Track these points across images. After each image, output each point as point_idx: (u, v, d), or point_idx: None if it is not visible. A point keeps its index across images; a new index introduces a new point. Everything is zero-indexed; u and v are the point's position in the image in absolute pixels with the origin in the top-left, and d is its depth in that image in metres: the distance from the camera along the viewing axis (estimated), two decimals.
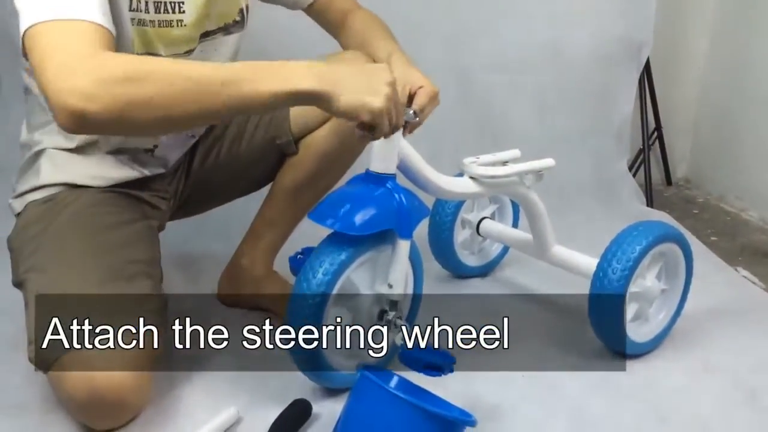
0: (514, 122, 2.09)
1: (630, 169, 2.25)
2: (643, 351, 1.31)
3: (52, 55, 0.86)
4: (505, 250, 1.66)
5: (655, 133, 2.33)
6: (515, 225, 1.64)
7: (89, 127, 0.88)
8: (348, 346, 1.12)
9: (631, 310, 1.27)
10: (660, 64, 2.28)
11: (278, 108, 0.96)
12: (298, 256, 1.20)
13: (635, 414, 1.16)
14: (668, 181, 2.44)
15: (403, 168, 1.15)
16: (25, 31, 0.90)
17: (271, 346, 1.27)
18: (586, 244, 1.46)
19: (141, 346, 1.05)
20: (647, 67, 2.21)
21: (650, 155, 2.25)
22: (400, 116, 1.03)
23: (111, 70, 0.85)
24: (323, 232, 1.14)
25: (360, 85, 0.96)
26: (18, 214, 1.23)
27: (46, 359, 1.03)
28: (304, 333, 1.06)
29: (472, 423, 0.98)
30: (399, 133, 1.09)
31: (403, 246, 1.11)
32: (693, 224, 2.07)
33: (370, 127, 1.00)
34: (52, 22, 0.88)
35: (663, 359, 1.32)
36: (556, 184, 1.98)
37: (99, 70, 0.84)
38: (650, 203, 2.17)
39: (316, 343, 1.07)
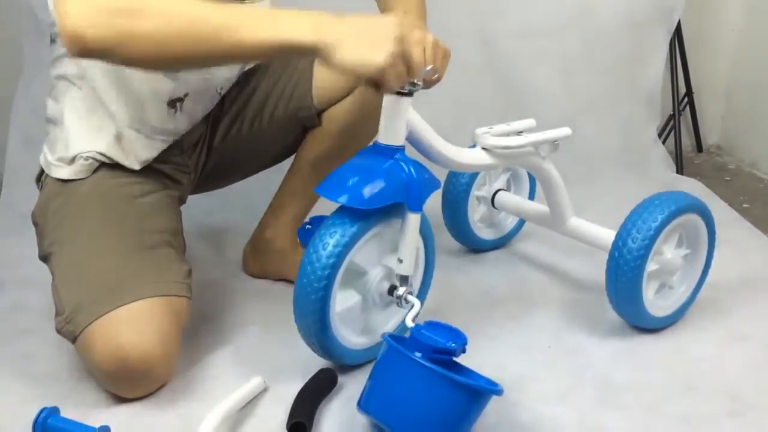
0: (540, 89, 2.05)
1: (660, 135, 2.20)
2: (663, 325, 1.29)
3: None
4: (522, 222, 1.62)
5: (686, 99, 2.28)
6: (531, 197, 1.61)
7: (88, 53, 0.92)
8: (358, 322, 1.12)
9: (651, 286, 1.24)
10: (692, 28, 2.22)
11: (274, 57, 0.95)
12: (306, 227, 1.20)
13: (663, 382, 1.15)
14: (699, 147, 2.39)
15: (412, 140, 1.11)
16: None
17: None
18: (615, 213, 1.43)
19: (166, 314, 1.06)
20: (678, 31, 2.15)
21: (681, 121, 2.20)
22: (413, 70, 0.97)
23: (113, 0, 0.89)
24: None
25: (362, 40, 0.92)
26: (41, 189, 1.24)
27: (73, 330, 1.05)
28: (312, 313, 1.05)
29: (499, 392, 0.98)
30: (408, 104, 1.06)
31: (413, 219, 1.08)
32: (724, 191, 2.02)
33: (376, 83, 0.97)
34: None
35: (691, 327, 1.30)
36: (583, 152, 1.96)
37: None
38: (680, 170, 2.13)
39: (324, 324, 1.06)
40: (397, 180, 1.05)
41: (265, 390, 1.11)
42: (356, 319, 1.13)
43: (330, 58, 0.93)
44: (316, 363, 1.14)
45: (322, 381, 1.10)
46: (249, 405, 1.07)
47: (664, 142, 2.19)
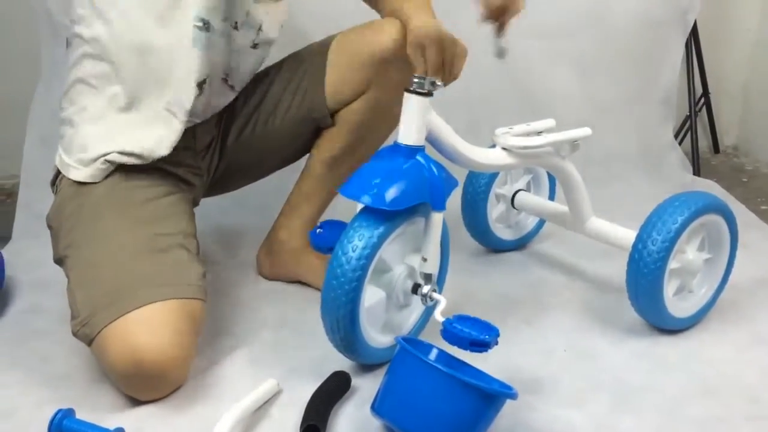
0: (555, 90, 2.04)
1: (676, 136, 2.18)
2: (684, 326, 1.28)
3: None
4: (542, 222, 1.62)
5: (703, 99, 2.26)
6: (552, 197, 1.60)
7: None
8: (380, 319, 1.12)
9: (672, 286, 1.23)
10: (708, 28, 2.20)
11: None
12: (318, 230, 1.20)
13: (680, 386, 1.14)
14: (716, 148, 2.37)
15: (432, 139, 1.12)
16: None
17: (310, 319, 1.28)
18: (631, 214, 1.42)
19: (181, 317, 1.06)
20: (694, 31, 2.13)
21: (697, 122, 2.18)
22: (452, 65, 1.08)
23: None
24: (359, 204, 1.13)
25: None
26: (56, 193, 1.25)
27: (88, 333, 1.06)
28: (340, 316, 1.06)
29: (513, 395, 0.97)
30: (428, 103, 1.06)
31: (437, 218, 1.10)
32: (742, 193, 2.00)
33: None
34: None
35: (709, 330, 1.29)
36: (599, 154, 1.94)
37: None
38: (697, 172, 2.11)
39: (353, 323, 1.07)
40: (419, 180, 1.06)
41: (279, 392, 1.11)
42: (379, 316, 1.14)
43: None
44: (330, 365, 1.14)
45: (336, 383, 1.10)
46: (263, 407, 1.07)
47: (680, 143, 2.18)
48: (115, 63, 1.19)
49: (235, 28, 1.23)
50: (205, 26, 1.18)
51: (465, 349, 1.01)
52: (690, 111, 2.16)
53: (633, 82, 2.10)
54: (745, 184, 2.14)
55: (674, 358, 1.21)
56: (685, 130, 2.19)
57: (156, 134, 1.21)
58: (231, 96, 1.31)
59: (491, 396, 0.96)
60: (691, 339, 1.26)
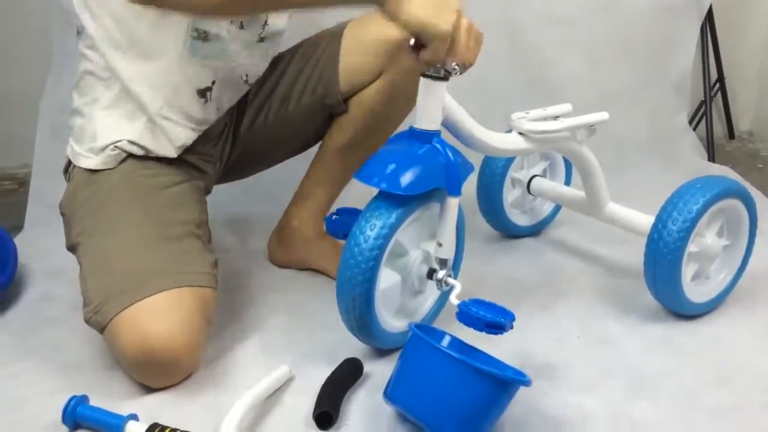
0: (568, 76, 2.02)
1: (690, 122, 2.16)
2: (701, 311, 1.27)
3: None
4: (557, 208, 1.62)
5: (718, 85, 2.23)
6: (567, 183, 1.59)
7: (155, 3, 1.03)
8: (394, 303, 1.12)
9: (689, 270, 1.22)
10: (724, 12, 2.17)
11: (339, 6, 0.98)
12: (334, 217, 1.20)
13: (695, 373, 1.13)
14: (731, 134, 2.34)
15: (448, 124, 1.11)
16: None
17: (322, 306, 1.28)
18: (644, 201, 1.41)
19: (193, 305, 1.06)
20: (709, 15, 2.10)
21: (712, 107, 2.16)
22: (462, 49, 0.99)
23: None
24: (373, 192, 1.13)
25: (430, 3, 0.95)
26: (68, 180, 1.25)
27: (100, 320, 1.06)
28: (356, 296, 1.06)
29: (527, 382, 0.97)
30: (443, 88, 1.05)
31: (453, 203, 1.09)
32: (757, 179, 1.98)
33: (419, 49, 0.99)
34: None
35: (726, 318, 1.28)
36: (612, 140, 1.92)
37: None
38: (712, 158, 2.08)
39: (368, 303, 1.07)
40: (436, 165, 1.06)
41: (291, 379, 1.11)
42: (394, 300, 1.14)
43: (398, 10, 0.96)
44: (343, 352, 1.14)
45: (348, 370, 1.09)
46: (275, 394, 1.07)
47: (695, 129, 2.16)
48: (114, 71, 1.18)
49: (241, 27, 1.21)
50: (201, 36, 1.17)
51: (480, 330, 1.01)
52: (705, 96, 2.13)
53: (647, 67, 2.07)
54: (761, 170, 2.12)
55: (690, 345, 1.20)
56: (700, 115, 2.17)
57: (164, 137, 1.21)
58: (246, 89, 1.31)
59: (504, 383, 0.95)
60: (708, 326, 1.25)
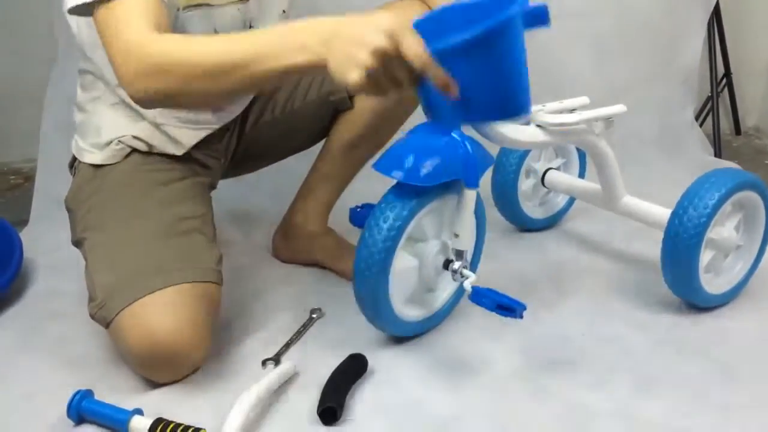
0: (574, 71, 2.01)
1: (697, 118, 2.15)
2: (716, 303, 1.27)
3: (111, 45, 0.97)
4: (571, 201, 1.61)
5: (725, 80, 2.22)
6: (581, 176, 1.59)
7: (147, 106, 1.04)
8: (409, 288, 1.13)
9: (705, 257, 1.22)
10: (731, 7, 2.16)
11: (291, 79, 0.97)
12: (358, 209, 1.20)
13: (703, 370, 1.12)
14: (737, 130, 2.33)
15: None
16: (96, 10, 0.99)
17: (327, 302, 1.28)
18: (651, 196, 1.40)
19: (197, 300, 1.06)
20: (716, 10, 2.09)
21: (719, 103, 2.15)
22: (401, 66, 0.89)
23: (147, 63, 0.94)
24: (378, 189, 1.13)
25: (346, 41, 0.88)
26: (74, 175, 1.25)
27: (105, 316, 1.06)
28: (371, 281, 1.07)
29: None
30: None
31: (470, 195, 1.10)
32: (764, 175, 1.93)
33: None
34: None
35: (735, 315, 1.27)
36: (618, 135, 1.89)
37: (139, 63, 0.94)
38: (718, 154, 2.07)
39: (383, 293, 1.08)
40: (453, 156, 1.06)
41: (295, 375, 1.11)
42: (409, 284, 1.14)
43: (329, 72, 0.89)
44: (347, 348, 1.13)
45: (353, 366, 1.09)
46: (280, 390, 1.07)
47: (701, 125, 2.15)
48: (101, 69, 1.18)
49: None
50: None
51: (492, 310, 1.04)
52: (711, 92, 2.12)
53: (653, 62, 2.06)
54: None
55: (698, 342, 1.19)
56: (707, 111, 2.16)
57: (167, 137, 1.21)
58: (248, 98, 1.30)
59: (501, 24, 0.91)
60: (716, 323, 1.24)
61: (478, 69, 0.94)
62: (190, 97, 0.98)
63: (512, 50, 0.96)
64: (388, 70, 0.89)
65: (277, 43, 0.92)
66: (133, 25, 0.96)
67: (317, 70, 0.91)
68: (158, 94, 0.96)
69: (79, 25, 1.16)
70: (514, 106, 1.00)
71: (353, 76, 0.87)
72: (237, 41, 0.95)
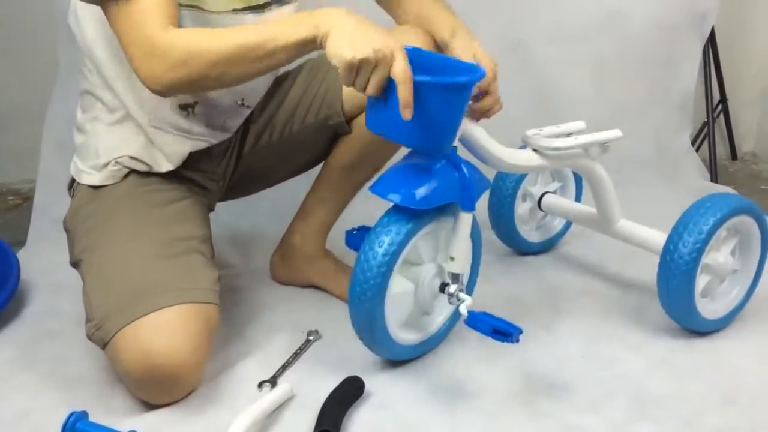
0: (571, 95, 2.03)
1: (693, 143, 2.16)
2: (712, 328, 1.27)
3: (132, 41, 1.03)
4: (568, 225, 1.62)
5: (720, 106, 2.24)
6: (578, 200, 1.59)
7: (170, 94, 1.10)
8: (404, 312, 1.13)
9: (701, 282, 1.22)
10: (726, 33, 2.18)
11: (300, 55, 1.04)
12: (354, 231, 1.21)
13: (700, 395, 1.12)
14: (734, 155, 2.34)
15: (464, 139, 1.13)
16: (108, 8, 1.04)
17: (324, 324, 1.28)
18: (647, 221, 1.41)
19: (195, 321, 1.06)
20: (712, 36, 2.12)
21: (715, 128, 2.16)
22: (377, 79, 0.99)
23: (174, 57, 1.02)
24: (375, 211, 1.13)
25: (347, 37, 0.98)
26: (72, 197, 1.25)
27: (103, 336, 1.06)
28: (367, 305, 1.07)
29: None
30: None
31: (466, 219, 1.10)
32: (760, 201, 1.94)
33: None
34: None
35: (731, 339, 1.27)
36: (615, 159, 1.90)
37: (166, 58, 1.02)
38: (715, 179, 2.09)
39: (379, 317, 1.08)
40: (450, 180, 1.07)
41: (292, 397, 1.10)
42: (404, 308, 1.14)
43: (324, 46, 1.00)
44: (344, 370, 1.13)
45: (350, 388, 1.09)
46: (276, 411, 1.07)
47: (697, 150, 2.16)
48: (108, 84, 1.19)
49: None
50: None
51: (487, 335, 1.04)
52: (707, 117, 2.14)
53: (650, 87, 2.08)
54: (764, 191, 2.12)
55: (695, 365, 1.19)
56: (703, 136, 2.17)
57: (160, 151, 1.22)
58: (246, 112, 1.31)
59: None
60: (712, 347, 1.24)
61: (436, 106, 1.01)
62: (209, 81, 1.05)
63: (464, 103, 1.05)
64: (373, 69, 0.98)
65: (290, 23, 1.03)
66: (155, 20, 1.02)
67: (313, 44, 1.01)
68: (182, 83, 1.04)
69: (84, 19, 1.17)
70: (437, 145, 1.06)
71: (347, 53, 0.97)
72: (252, 27, 1.05)
